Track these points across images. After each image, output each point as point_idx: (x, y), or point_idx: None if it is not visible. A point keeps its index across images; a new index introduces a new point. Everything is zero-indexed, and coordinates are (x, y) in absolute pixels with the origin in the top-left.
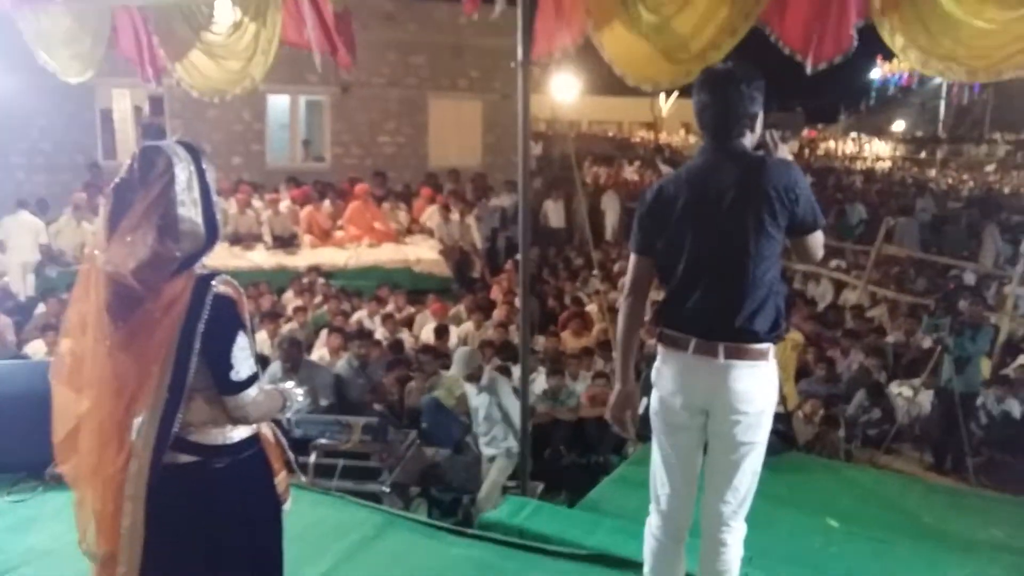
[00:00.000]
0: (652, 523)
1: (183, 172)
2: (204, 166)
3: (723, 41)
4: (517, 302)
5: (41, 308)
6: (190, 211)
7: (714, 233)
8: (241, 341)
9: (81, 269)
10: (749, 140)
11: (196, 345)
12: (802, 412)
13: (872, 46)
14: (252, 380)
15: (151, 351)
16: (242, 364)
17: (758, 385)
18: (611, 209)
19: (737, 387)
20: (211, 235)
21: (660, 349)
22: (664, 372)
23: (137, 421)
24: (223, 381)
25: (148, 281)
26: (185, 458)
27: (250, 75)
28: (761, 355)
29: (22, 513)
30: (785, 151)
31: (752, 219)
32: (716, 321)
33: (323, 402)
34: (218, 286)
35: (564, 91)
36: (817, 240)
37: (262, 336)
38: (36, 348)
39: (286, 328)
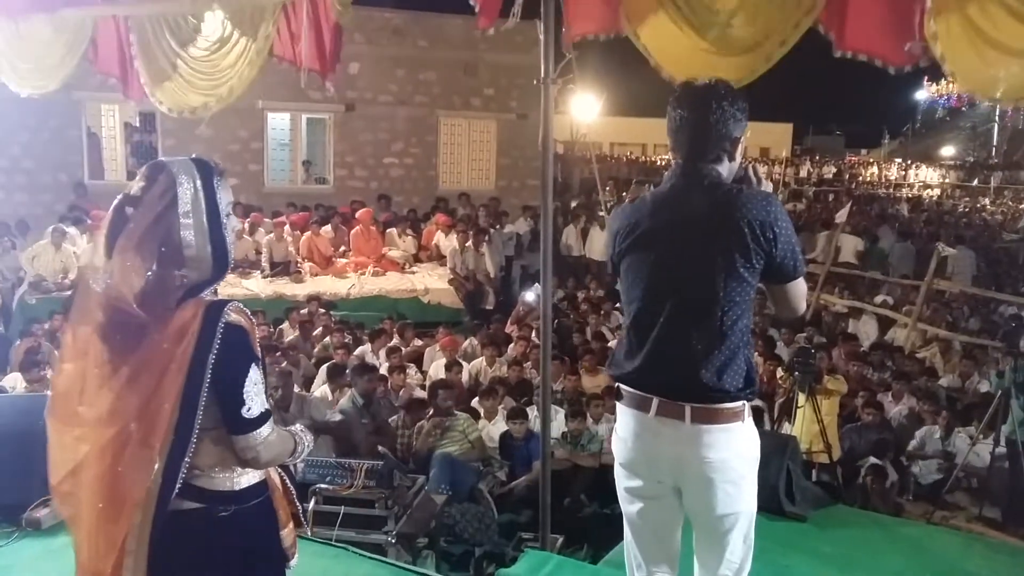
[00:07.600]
0: None
1: (187, 192)
2: (216, 185)
3: (787, 35)
4: (535, 336)
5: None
6: (195, 235)
7: (677, 271)
8: (253, 375)
9: (79, 289)
10: (725, 168)
11: (207, 379)
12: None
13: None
14: (265, 418)
15: (163, 388)
16: (254, 400)
17: (734, 452)
18: None
19: (710, 456)
20: (220, 262)
21: (618, 409)
22: (624, 436)
23: (155, 467)
24: (233, 418)
25: (153, 309)
26: (188, 504)
27: (229, 86)
28: (735, 416)
29: None
30: (769, 188)
31: (721, 257)
32: (679, 375)
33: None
34: (230, 314)
35: (585, 111)
36: (798, 290)
37: None
38: (14, 381)
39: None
